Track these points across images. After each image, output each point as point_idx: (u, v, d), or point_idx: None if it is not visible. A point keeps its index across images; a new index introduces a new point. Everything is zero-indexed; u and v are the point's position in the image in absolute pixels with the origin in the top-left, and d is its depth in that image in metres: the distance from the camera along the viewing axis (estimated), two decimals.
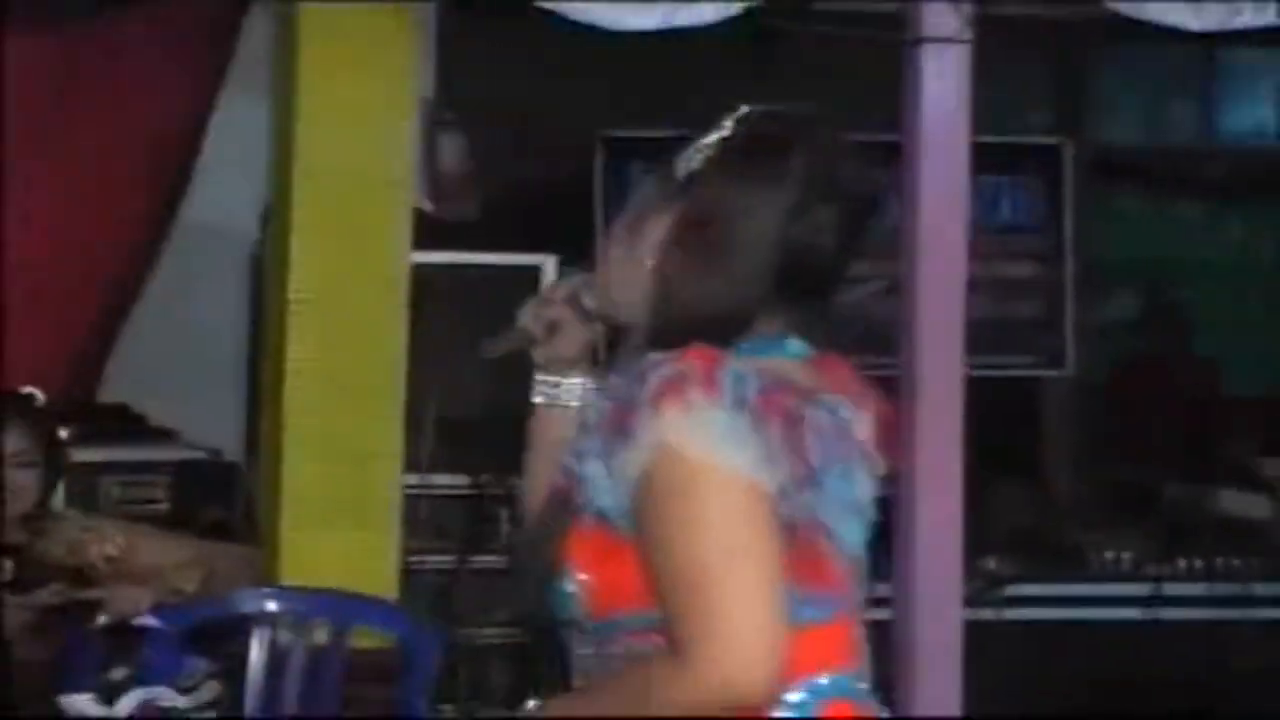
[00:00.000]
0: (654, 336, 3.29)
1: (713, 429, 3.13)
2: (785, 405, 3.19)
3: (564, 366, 3.63)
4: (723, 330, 3.24)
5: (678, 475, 3.12)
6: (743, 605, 3.09)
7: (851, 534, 3.34)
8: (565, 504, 3.31)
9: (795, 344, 3.34)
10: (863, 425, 3.38)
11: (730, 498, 3.12)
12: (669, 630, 3.18)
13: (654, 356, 3.21)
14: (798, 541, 3.22)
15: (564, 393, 3.65)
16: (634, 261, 3.34)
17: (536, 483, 3.58)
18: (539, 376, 3.68)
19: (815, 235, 3.27)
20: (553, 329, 3.61)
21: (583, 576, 3.31)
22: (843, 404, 3.32)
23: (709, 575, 3.10)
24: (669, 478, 3.13)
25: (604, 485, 3.22)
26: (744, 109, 3.35)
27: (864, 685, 3.35)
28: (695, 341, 3.20)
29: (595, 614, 3.33)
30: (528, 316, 3.62)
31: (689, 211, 3.27)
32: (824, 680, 3.28)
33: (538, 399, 3.69)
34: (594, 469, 3.23)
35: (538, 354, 3.65)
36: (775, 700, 3.16)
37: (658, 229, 3.29)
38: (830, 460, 3.25)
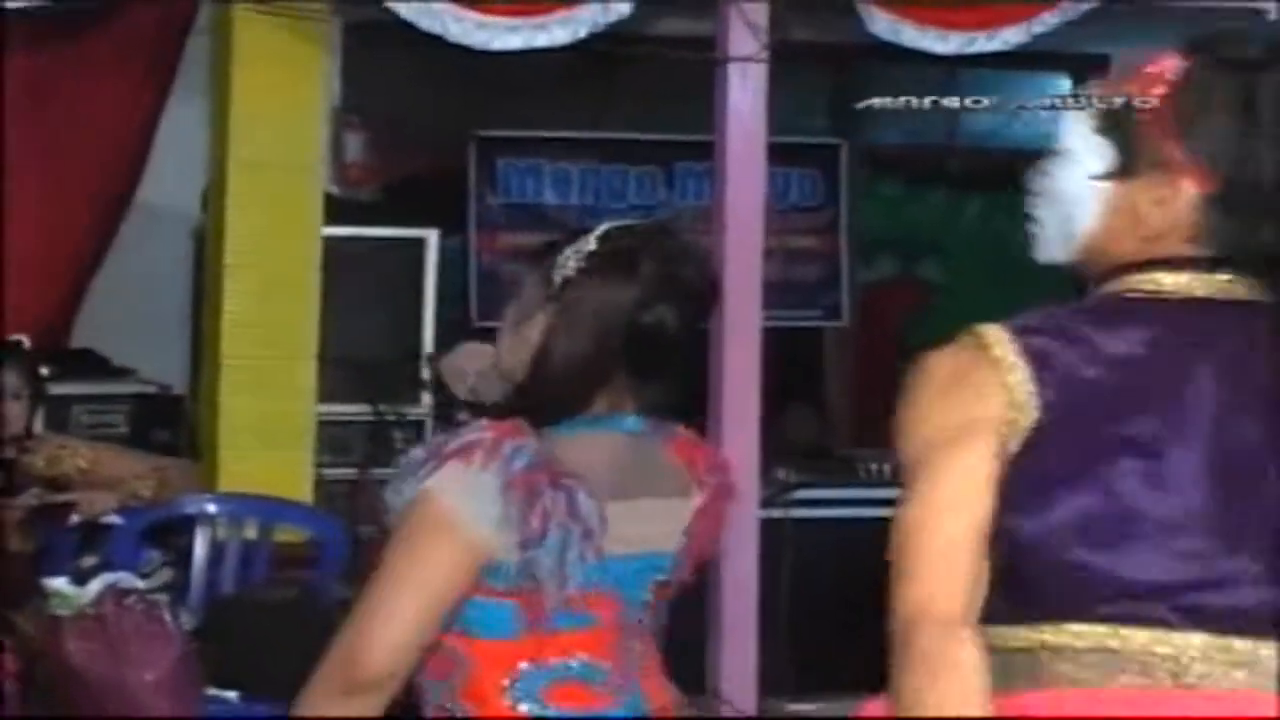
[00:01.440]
0: (518, 398, 3.26)
1: (470, 487, 3.11)
2: (535, 482, 3.13)
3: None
4: (571, 399, 3.23)
5: (421, 513, 3.11)
6: (385, 619, 3.08)
7: (572, 580, 3.20)
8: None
9: (633, 420, 3.27)
10: (677, 509, 3.37)
11: (442, 541, 3.11)
12: None
13: (476, 423, 3.19)
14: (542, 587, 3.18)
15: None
16: (518, 344, 3.27)
17: None
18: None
19: (659, 325, 3.22)
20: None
21: None
22: (600, 488, 3.20)
23: (381, 586, 3.10)
24: (416, 512, 3.11)
25: (394, 504, 3.19)
26: (605, 227, 3.29)
27: (603, 671, 3.26)
28: (540, 408, 3.20)
29: None
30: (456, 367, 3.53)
31: (560, 310, 3.22)
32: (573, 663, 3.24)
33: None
34: (391, 492, 3.21)
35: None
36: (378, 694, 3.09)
37: (537, 325, 3.24)
38: (551, 528, 3.16)
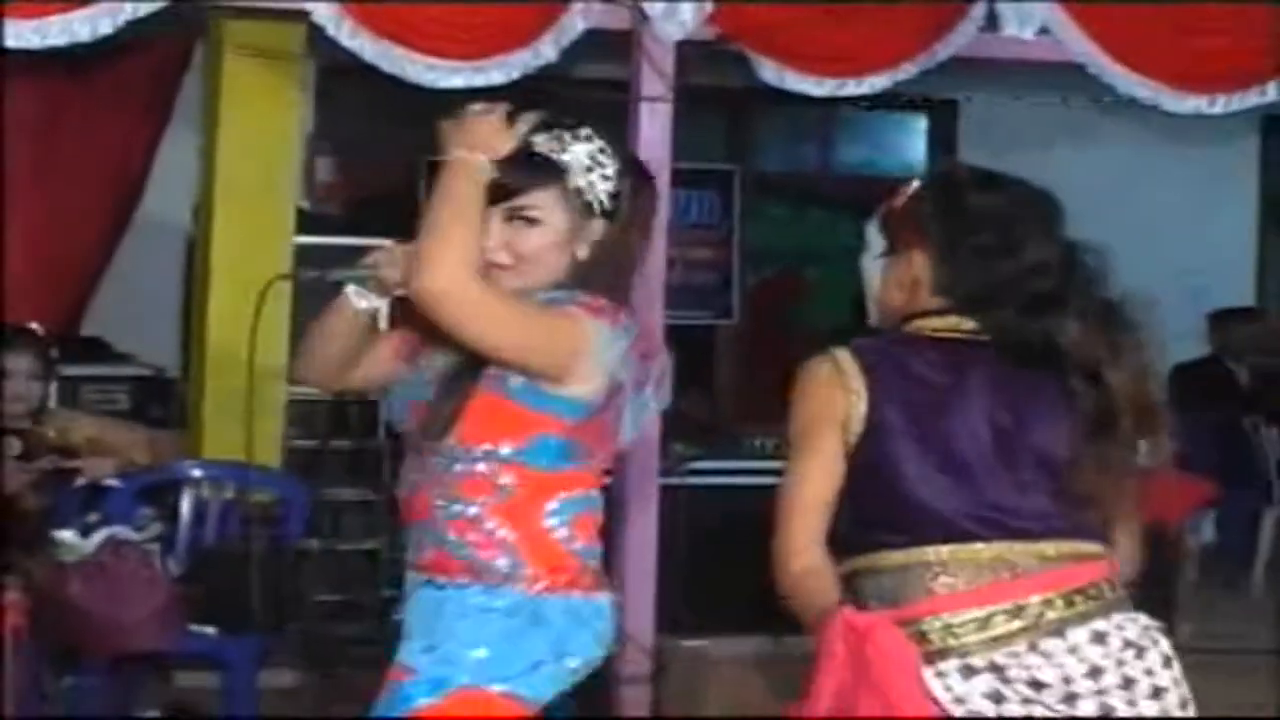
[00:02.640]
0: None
1: (608, 339, 3.20)
2: (637, 350, 3.28)
3: (379, 292, 3.38)
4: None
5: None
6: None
7: (632, 426, 3.34)
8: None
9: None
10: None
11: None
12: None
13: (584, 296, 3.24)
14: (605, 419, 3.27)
15: (364, 301, 3.38)
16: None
17: (322, 348, 3.47)
18: (357, 288, 3.40)
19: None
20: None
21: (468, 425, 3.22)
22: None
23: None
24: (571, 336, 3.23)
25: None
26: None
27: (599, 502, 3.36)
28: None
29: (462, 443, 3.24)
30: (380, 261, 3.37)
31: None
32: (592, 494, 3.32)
33: (351, 290, 3.40)
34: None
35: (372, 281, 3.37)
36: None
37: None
38: (643, 388, 3.31)
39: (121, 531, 5.56)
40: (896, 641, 3.05)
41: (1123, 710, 3.09)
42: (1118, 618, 3.15)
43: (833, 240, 11.05)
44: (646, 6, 6.49)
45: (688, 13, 6.50)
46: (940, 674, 3.06)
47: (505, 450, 3.22)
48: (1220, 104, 7.00)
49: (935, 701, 3.05)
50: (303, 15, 6.29)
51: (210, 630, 5.71)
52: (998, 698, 3.05)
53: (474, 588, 3.22)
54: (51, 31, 5.86)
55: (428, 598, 3.26)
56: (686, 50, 6.62)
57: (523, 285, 3.25)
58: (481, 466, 3.22)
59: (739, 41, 6.68)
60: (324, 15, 6.18)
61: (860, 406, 3.19)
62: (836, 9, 6.63)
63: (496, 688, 3.18)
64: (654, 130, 6.63)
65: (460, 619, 3.21)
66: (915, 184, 3.43)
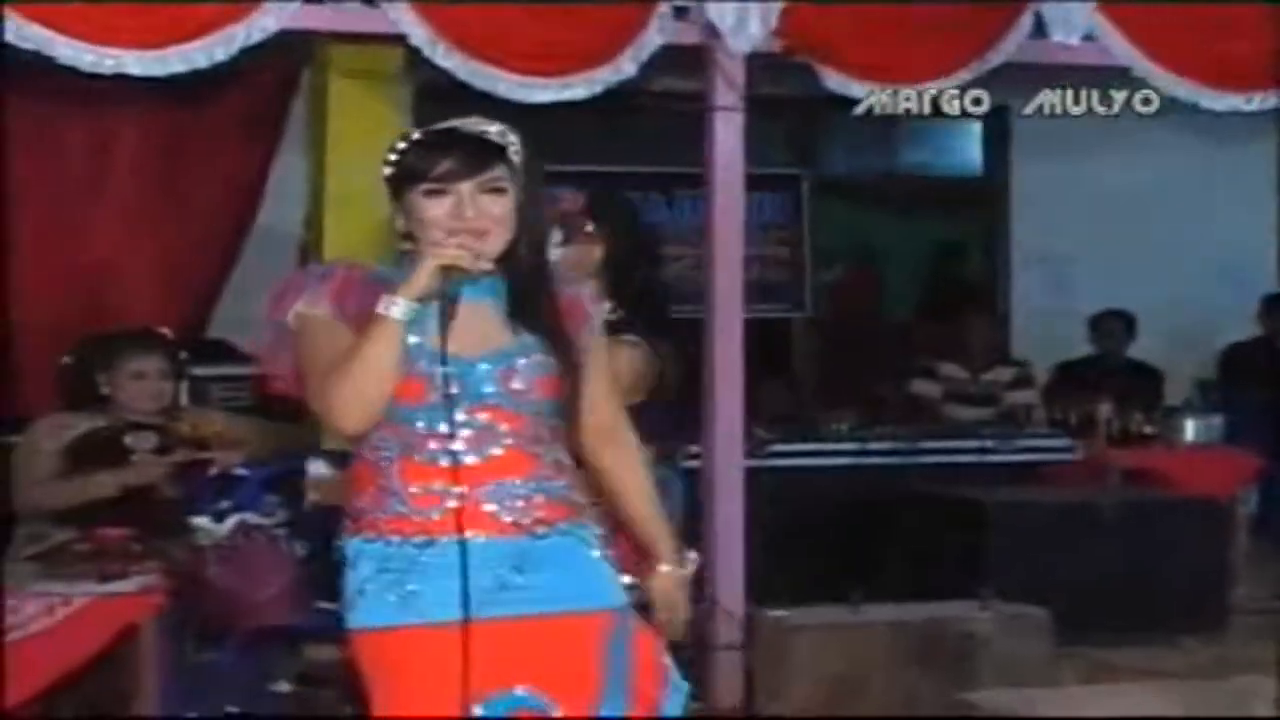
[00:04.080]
0: None
1: None
2: None
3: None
4: None
5: None
6: None
7: None
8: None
9: None
10: None
11: None
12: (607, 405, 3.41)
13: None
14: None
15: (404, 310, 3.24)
16: None
17: (379, 386, 3.22)
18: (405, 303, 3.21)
19: None
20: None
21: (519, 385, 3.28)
22: None
23: None
24: None
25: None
26: None
27: None
28: None
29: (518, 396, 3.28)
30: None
31: None
32: None
33: (397, 309, 3.21)
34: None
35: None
36: None
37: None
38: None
39: (251, 517, 5.67)
40: None
41: None
42: None
43: (894, 238, 11.15)
44: (717, 22, 6.58)
45: (756, 27, 6.59)
46: None
47: None
48: (1255, 101, 7.09)
49: None
50: (401, 39, 6.41)
51: (334, 606, 5.80)
52: None
53: None
54: (172, 61, 6.01)
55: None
56: (755, 62, 6.70)
57: (500, 247, 3.31)
58: None
59: (804, 53, 6.77)
60: (421, 38, 6.30)
61: None
62: (893, 22, 6.72)
63: None
64: (727, 138, 6.73)
65: None
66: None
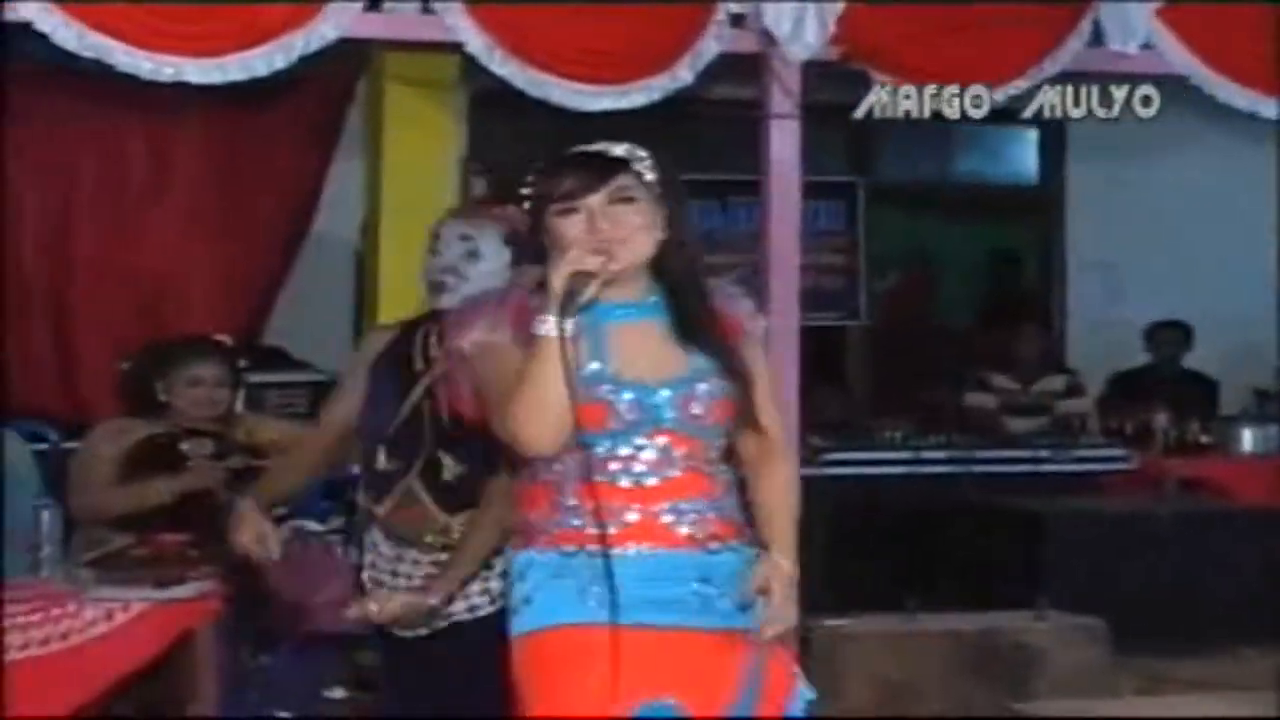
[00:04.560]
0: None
1: None
2: None
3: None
4: None
5: None
6: None
7: None
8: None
9: None
10: None
11: None
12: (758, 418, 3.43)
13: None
14: None
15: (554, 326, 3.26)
16: None
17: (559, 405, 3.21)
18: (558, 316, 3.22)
19: None
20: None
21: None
22: None
23: None
24: None
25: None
26: None
27: None
28: None
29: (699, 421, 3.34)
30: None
31: None
32: None
33: (555, 332, 3.21)
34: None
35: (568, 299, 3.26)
36: None
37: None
38: None
39: (306, 524, 5.68)
40: None
41: None
42: None
43: (949, 246, 11.09)
44: (774, 29, 6.55)
45: (813, 34, 6.55)
46: None
47: None
48: None
49: None
50: (457, 46, 6.39)
51: None
52: None
53: None
54: (231, 69, 6.00)
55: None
56: (811, 69, 6.67)
57: (632, 261, 3.33)
58: None
59: (859, 60, 6.73)
60: (477, 46, 6.28)
61: None
62: (949, 30, 6.70)
63: None
64: (784, 145, 6.69)
65: None
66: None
